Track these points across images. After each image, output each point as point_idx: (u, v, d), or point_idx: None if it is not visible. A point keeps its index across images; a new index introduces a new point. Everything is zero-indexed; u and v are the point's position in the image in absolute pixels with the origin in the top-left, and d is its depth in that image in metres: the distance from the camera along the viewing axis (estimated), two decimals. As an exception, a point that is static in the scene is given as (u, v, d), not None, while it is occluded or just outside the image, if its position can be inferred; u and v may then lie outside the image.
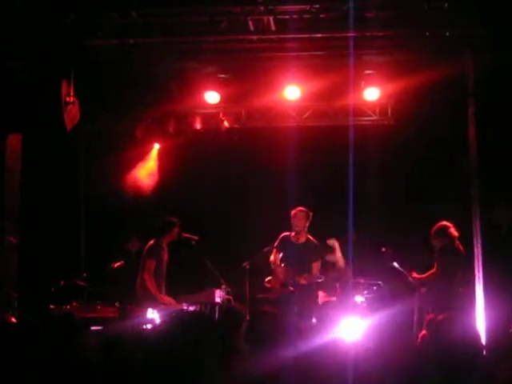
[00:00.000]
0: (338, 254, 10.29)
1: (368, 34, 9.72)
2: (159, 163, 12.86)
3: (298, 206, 10.39)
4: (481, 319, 9.38)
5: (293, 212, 10.32)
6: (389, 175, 12.10)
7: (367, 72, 11.27)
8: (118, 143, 12.02)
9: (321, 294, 10.39)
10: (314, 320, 9.56)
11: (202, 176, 12.65)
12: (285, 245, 10.28)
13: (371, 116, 12.29)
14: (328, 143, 12.01)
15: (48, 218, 11.54)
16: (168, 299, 10.25)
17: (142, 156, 12.80)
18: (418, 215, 11.52)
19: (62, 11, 9.50)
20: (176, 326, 3.00)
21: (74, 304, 10.04)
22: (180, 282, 10.87)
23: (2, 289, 10.01)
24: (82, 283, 10.81)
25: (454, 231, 10.25)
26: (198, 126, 12.48)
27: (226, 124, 12.42)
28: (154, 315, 9.53)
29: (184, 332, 2.92)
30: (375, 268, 10.83)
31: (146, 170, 12.76)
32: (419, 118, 11.55)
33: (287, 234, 10.37)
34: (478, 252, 9.64)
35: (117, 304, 9.93)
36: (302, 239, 10.33)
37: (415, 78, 10.57)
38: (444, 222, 10.35)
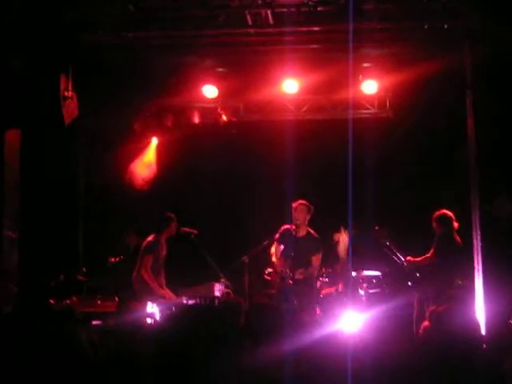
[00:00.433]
0: (342, 246, 10.28)
1: (366, 26, 9.70)
2: (157, 157, 12.86)
3: (296, 199, 10.39)
4: (480, 311, 9.39)
5: (294, 205, 10.32)
6: (387, 168, 12.11)
7: (365, 65, 11.28)
8: (117, 137, 12.01)
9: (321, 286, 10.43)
10: (314, 313, 9.57)
11: (200, 169, 12.67)
12: (285, 237, 10.29)
13: (369, 109, 12.29)
14: (326, 136, 12.02)
15: (47, 212, 11.54)
16: (167, 293, 10.28)
17: (140, 150, 12.80)
18: (417, 207, 11.55)
19: (60, 6, 9.48)
20: (183, 319, 3.00)
21: (74, 299, 10.07)
22: (179, 275, 10.90)
23: (1, 283, 10.02)
24: (81, 278, 10.83)
25: (454, 222, 10.42)
26: (197, 119, 12.47)
27: (224, 118, 12.41)
28: (153, 309, 9.55)
29: (191, 325, 2.92)
30: (373, 257, 10.88)
31: (145, 164, 12.76)
32: (417, 111, 11.56)
33: (288, 226, 10.37)
34: (477, 244, 9.64)
35: (116, 298, 9.96)
36: (303, 232, 10.33)
37: (413, 70, 10.57)
38: (447, 212, 10.47)
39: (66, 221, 12.21)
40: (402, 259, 10.75)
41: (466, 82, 10.03)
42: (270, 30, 9.94)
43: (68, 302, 9.86)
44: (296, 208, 10.30)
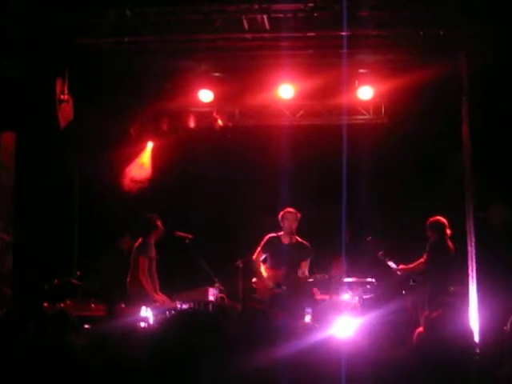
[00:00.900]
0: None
1: (362, 33, 9.74)
2: (153, 161, 12.84)
3: (289, 205, 10.30)
4: (474, 318, 9.40)
5: (282, 213, 10.23)
6: (382, 174, 12.12)
7: (361, 71, 11.29)
8: (112, 141, 11.99)
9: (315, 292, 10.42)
10: (307, 318, 9.56)
11: (195, 174, 12.67)
12: (272, 246, 10.21)
13: (365, 115, 12.31)
14: (321, 142, 12.02)
15: (41, 215, 11.53)
16: (162, 297, 10.25)
17: (135, 154, 12.79)
18: (412, 213, 11.55)
19: (57, 10, 9.49)
20: (177, 324, 3.00)
21: (68, 302, 10.04)
22: (173, 280, 10.88)
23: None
24: (75, 281, 10.81)
25: (447, 229, 10.43)
26: (192, 124, 12.47)
27: (219, 122, 12.41)
28: (147, 313, 9.53)
29: (186, 330, 2.92)
30: (367, 264, 10.88)
31: (140, 168, 12.75)
32: (413, 117, 11.57)
33: (274, 235, 10.29)
34: (471, 251, 9.66)
35: (106, 303, 9.95)
36: (291, 240, 10.19)
37: (409, 77, 10.59)
38: (441, 218, 10.49)
39: (60, 224, 12.19)
40: (396, 267, 10.75)
41: (461, 89, 10.06)
42: (267, 35, 9.96)
43: (62, 305, 9.84)
44: (285, 216, 10.21)
